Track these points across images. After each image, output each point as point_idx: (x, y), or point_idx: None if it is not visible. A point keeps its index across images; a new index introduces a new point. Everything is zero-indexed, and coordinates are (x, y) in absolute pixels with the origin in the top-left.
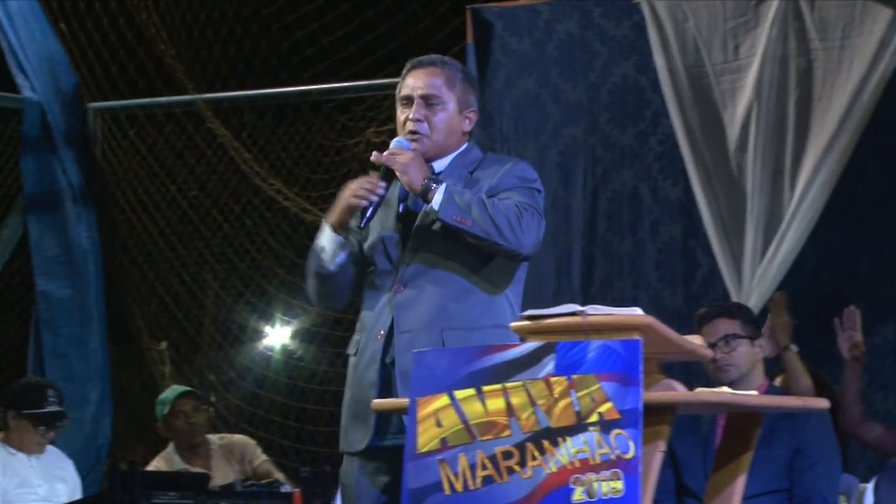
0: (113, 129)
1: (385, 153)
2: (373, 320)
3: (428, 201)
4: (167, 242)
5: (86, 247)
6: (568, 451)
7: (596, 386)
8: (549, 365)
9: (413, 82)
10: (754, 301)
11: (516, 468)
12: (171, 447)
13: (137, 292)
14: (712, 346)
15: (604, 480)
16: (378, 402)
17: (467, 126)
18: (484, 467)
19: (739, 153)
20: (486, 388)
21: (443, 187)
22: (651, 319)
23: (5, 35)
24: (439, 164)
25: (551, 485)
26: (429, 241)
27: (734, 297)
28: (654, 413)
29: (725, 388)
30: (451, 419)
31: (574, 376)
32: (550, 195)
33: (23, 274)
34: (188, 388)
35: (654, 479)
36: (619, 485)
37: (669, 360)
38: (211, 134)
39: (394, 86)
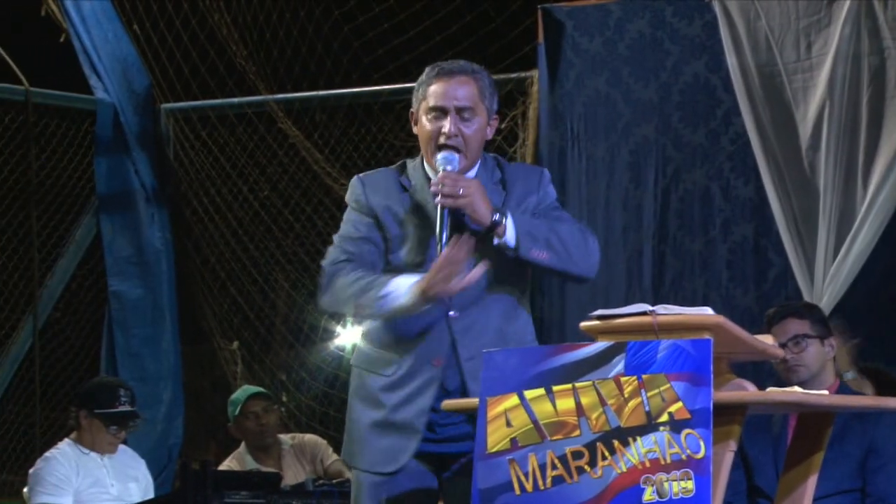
0: (185, 129)
1: (444, 181)
2: (420, 344)
3: (499, 236)
4: (239, 243)
5: (158, 247)
6: (638, 450)
7: (666, 385)
8: (619, 365)
9: (446, 91)
10: (826, 301)
11: (586, 468)
12: (242, 447)
13: (209, 292)
14: (782, 346)
15: (674, 480)
16: (448, 403)
17: (490, 134)
18: (554, 467)
19: (812, 152)
20: (555, 387)
21: (511, 221)
22: (721, 319)
23: (79, 37)
24: (469, 175)
25: (622, 485)
26: (478, 263)
27: (806, 297)
28: (725, 413)
29: (797, 388)
30: (520, 419)
31: (644, 376)
32: (622, 194)
33: (96, 274)
34: (259, 389)
35: (725, 479)
36: (690, 485)
37: (740, 360)
38: (283, 134)
39: None
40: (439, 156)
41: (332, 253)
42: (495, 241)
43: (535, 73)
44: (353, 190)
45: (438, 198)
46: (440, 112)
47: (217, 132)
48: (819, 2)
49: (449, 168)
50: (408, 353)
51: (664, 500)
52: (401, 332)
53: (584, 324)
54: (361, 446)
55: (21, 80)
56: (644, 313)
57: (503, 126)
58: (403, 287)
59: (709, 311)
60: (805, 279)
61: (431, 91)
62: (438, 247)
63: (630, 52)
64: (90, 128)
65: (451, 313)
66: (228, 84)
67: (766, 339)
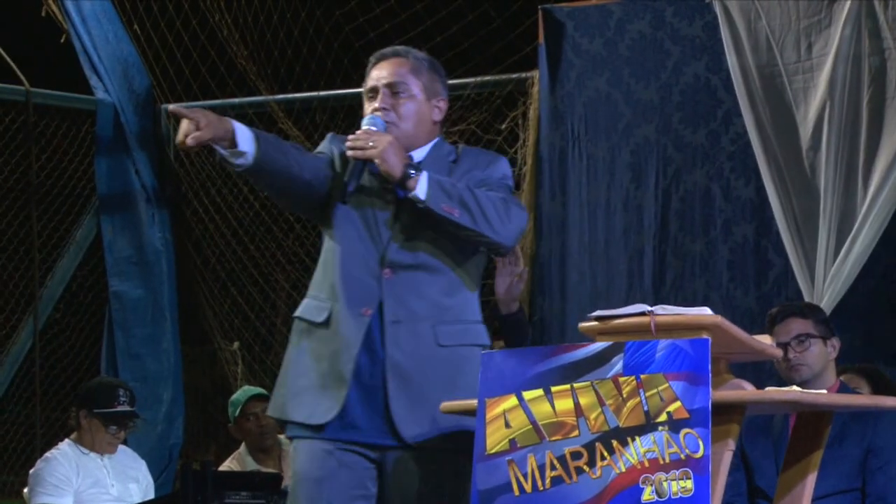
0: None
1: (358, 135)
2: (352, 293)
3: (408, 189)
4: (240, 243)
5: (159, 247)
6: (637, 450)
7: (665, 385)
8: (617, 365)
9: (377, 73)
10: (827, 301)
11: (585, 468)
12: (243, 447)
13: (210, 293)
14: (785, 345)
15: (673, 480)
16: (447, 405)
17: (437, 115)
18: (553, 468)
19: (812, 153)
20: (554, 388)
21: (425, 175)
22: (719, 319)
23: (79, 37)
24: (417, 155)
25: (621, 485)
26: (417, 229)
27: (807, 298)
28: (724, 412)
29: (795, 388)
30: (519, 420)
31: (643, 376)
32: (622, 195)
33: (96, 275)
34: (259, 391)
35: (724, 479)
36: (689, 484)
37: (739, 360)
38: (283, 135)
39: (465, 86)
40: (364, 118)
41: None
42: (407, 194)
43: (535, 74)
44: (323, 142)
45: (349, 150)
46: (373, 92)
47: None
48: (819, 2)
49: (373, 128)
50: (340, 300)
51: (663, 499)
52: (334, 279)
53: (582, 324)
54: (295, 399)
55: (21, 81)
56: (642, 313)
57: (504, 126)
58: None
59: (707, 311)
60: (805, 280)
61: (368, 77)
62: (345, 196)
63: (630, 53)
64: (90, 128)
65: (385, 273)
66: (229, 84)
67: (765, 340)
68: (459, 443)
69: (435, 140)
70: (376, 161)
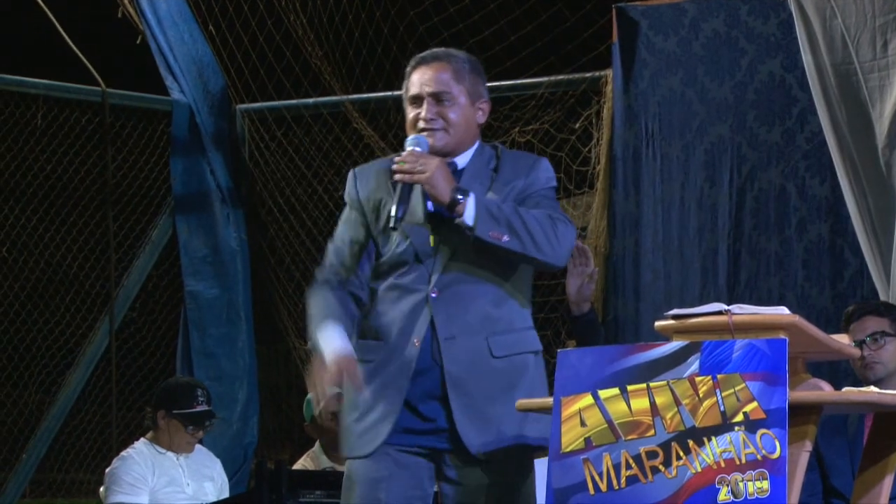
0: (260, 130)
1: (405, 157)
2: (400, 325)
3: (458, 214)
4: (314, 242)
5: (234, 247)
6: (713, 450)
7: (741, 385)
8: (693, 364)
9: (420, 79)
10: None
11: (661, 468)
12: (317, 446)
13: (284, 292)
14: (860, 343)
15: (749, 480)
16: (524, 402)
17: (481, 118)
18: (628, 467)
19: (888, 151)
20: (630, 387)
21: (472, 200)
22: (797, 318)
23: (155, 38)
24: (460, 161)
25: (696, 485)
26: (462, 247)
27: (882, 296)
28: (800, 413)
29: (873, 388)
30: (595, 418)
31: (719, 376)
32: (697, 194)
33: (171, 275)
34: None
35: (801, 479)
36: (765, 485)
37: (816, 360)
38: (357, 134)
39: (539, 86)
40: (409, 139)
41: (325, 256)
42: (456, 219)
43: (609, 73)
44: (347, 183)
45: (397, 174)
46: (417, 100)
47: (292, 132)
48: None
49: (417, 149)
50: (390, 335)
51: (739, 500)
52: (385, 316)
53: (658, 323)
54: (345, 435)
55: (98, 82)
56: (719, 312)
57: (577, 125)
58: (320, 345)
59: (784, 310)
60: (881, 278)
61: (409, 82)
62: (391, 221)
63: (705, 51)
64: (166, 128)
65: (433, 293)
66: (303, 84)
67: (842, 339)
68: (519, 456)
69: (476, 144)
70: (425, 186)
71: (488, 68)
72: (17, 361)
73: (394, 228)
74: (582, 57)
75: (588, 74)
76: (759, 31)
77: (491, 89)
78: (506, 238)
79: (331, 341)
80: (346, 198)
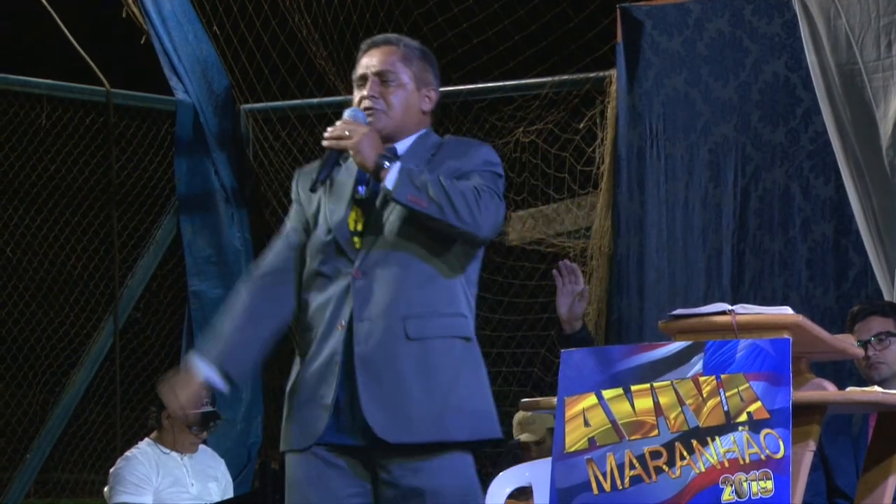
0: (265, 130)
1: (336, 125)
2: (328, 312)
3: (380, 180)
4: None
5: (238, 247)
6: (717, 450)
7: (745, 385)
8: (697, 364)
9: (367, 61)
10: None
11: (665, 468)
12: None
13: None
14: (865, 343)
15: (753, 480)
16: (527, 401)
17: (427, 105)
18: (632, 467)
19: (892, 151)
20: (634, 387)
21: (397, 165)
22: (801, 318)
23: (159, 38)
24: (400, 146)
25: (700, 484)
26: (388, 224)
27: (886, 297)
28: (804, 412)
29: (877, 388)
30: (598, 418)
31: (723, 376)
32: (701, 194)
33: (176, 274)
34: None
35: (804, 479)
36: (769, 484)
37: (820, 360)
38: None
39: (542, 85)
40: (346, 110)
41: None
42: (380, 185)
43: (613, 73)
44: (292, 184)
45: (325, 140)
46: (362, 80)
47: (296, 133)
48: None
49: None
50: (320, 325)
51: (743, 499)
52: (313, 306)
53: (662, 323)
54: (284, 427)
55: (102, 82)
56: (723, 312)
57: (581, 125)
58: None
59: (788, 310)
60: (885, 278)
61: (358, 64)
62: (315, 183)
63: (709, 51)
64: (170, 129)
65: (357, 277)
66: (308, 84)
67: (846, 339)
68: (438, 450)
69: (422, 131)
70: (350, 151)
71: (493, 69)
72: (21, 361)
73: (312, 190)
74: (586, 57)
75: (592, 74)
76: (763, 31)
77: (494, 89)
78: (424, 203)
79: (197, 348)
80: (293, 193)
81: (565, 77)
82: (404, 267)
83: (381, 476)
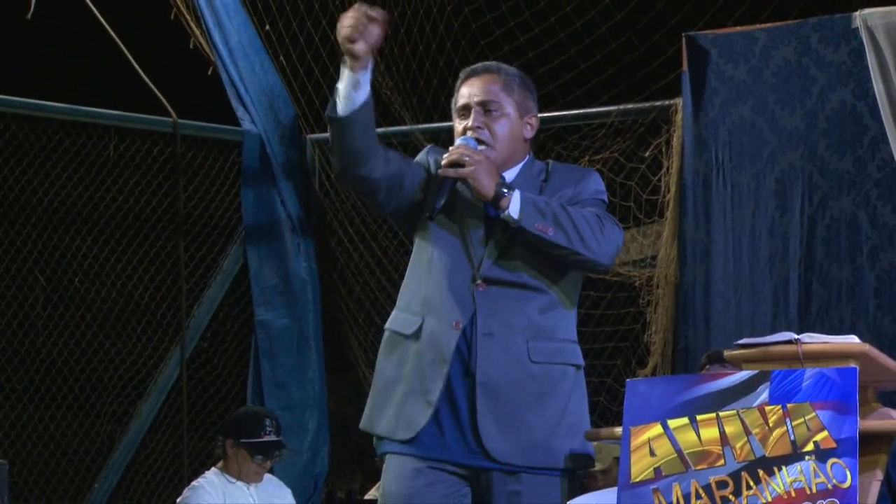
0: (331, 160)
1: (451, 151)
2: (445, 306)
3: (501, 208)
4: (384, 272)
5: (304, 277)
6: (783, 480)
7: (811, 414)
8: (763, 393)
9: (468, 90)
10: None
11: (731, 498)
12: None
13: (355, 322)
14: None
15: None
16: (592, 432)
17: (529, 132)
18: (698, 497)
19: None
20: (699, 416)
21: (517, 194)
22: (867, 347)
23: (226, 69)
24: (508, 175)
25: None
26: (510, 247)
27: None
28: (871, 442)
29: None
30: (664, 448)
31: (789, 405)
32: (768, 222)
33: (242, 304)
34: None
35: None
36: None
37: (887, 389)
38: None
39: (608, 114)
40: (459, 138)
41: None
42: (500, 214)
43: (679, 101)
44: (420, 152)
45: (442, 168)
46: (465, 110)
47: None
48: None
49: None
50: (431, 313)
51: None
52: (427, 292)
53: (728, 352)
54: (381, 411)
55: (169, 112)
56: (789, 342)
57: (647, 154)
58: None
59: (855, 339)
60: None
61: (458, 94)
62: (428, 211)
63: (776, 79)
64: (237, 158)
65: (479, 284)
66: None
67: None
68: (547, 470)
69: (526, 159)
70: (469, 180)
71: (559, 98)
72: (88, 391)
73: (430, 218)
74: (652, 85)
75: (658, 103)
76: (829, 59)
77: (560, 118)
78: (551, 232)
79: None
80: (417, 159)
81: (631, 106)
82: (528, 292)
83: (479, 493)
